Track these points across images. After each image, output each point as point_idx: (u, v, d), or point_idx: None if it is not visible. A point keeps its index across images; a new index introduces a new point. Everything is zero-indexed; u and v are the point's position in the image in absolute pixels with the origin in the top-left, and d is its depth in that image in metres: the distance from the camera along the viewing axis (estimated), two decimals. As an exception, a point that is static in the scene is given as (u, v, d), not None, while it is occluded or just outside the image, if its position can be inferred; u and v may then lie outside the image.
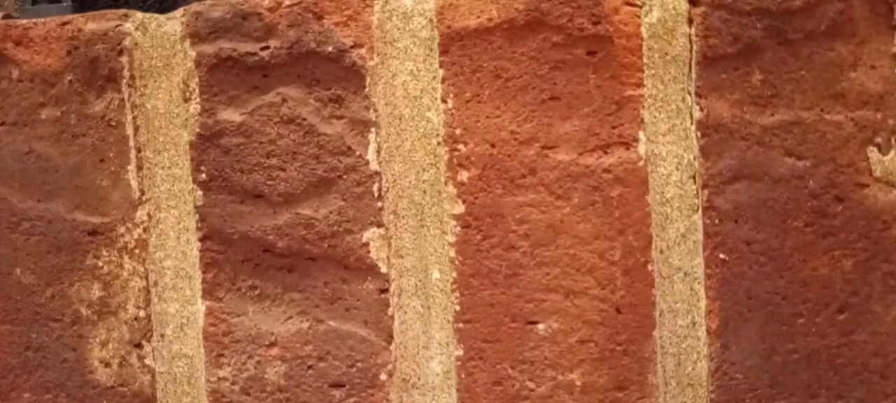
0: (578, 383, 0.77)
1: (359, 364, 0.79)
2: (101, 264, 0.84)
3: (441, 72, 0.78)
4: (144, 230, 0.83)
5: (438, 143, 0.78)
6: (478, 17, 0.77)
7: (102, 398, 0.85)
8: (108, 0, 0.95)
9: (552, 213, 0.76)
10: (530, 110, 0.76)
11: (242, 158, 0.79)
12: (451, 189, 0.78)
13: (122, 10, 0.83)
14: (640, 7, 0.76)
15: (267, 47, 0.79)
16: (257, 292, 0.81)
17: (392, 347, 0.79)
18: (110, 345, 0.84)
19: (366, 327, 0.79)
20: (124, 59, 0.82)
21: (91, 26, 0.83)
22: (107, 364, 0.85)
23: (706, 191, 0.75)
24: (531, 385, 0.77)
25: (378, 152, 0.78)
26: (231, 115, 0.79)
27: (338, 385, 0.80)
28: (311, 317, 0.80)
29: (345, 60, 0.78)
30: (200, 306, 0.81)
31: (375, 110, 0.78)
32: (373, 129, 0.78)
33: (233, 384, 0.81)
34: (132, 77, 0.82)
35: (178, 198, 0.82)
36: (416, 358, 0.79)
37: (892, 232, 0.75)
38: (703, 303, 0.76)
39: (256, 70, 0.79)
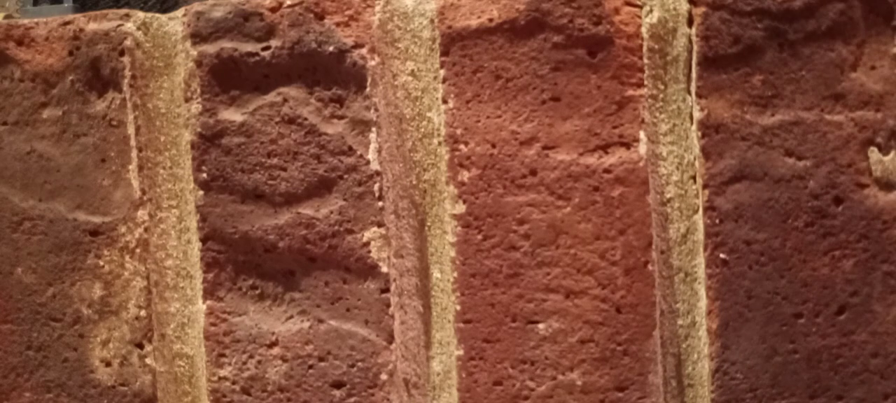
0: (579, 383, 0.77)
1: (360, 364, 0.79)
2: (102, 264, 0.84)
3: (442, 72, 0.78)
4: (145, 230, 0.83)
5: (439, 143, 0.78)
6: (479, 17, 0.77)
7: (103, 397, 0.85)
8: (110, 0, 0.96)
9: (553, 213, 0.77)
10: (531, 110, 0.77)
11: (243, 158, 0.79)
12: (452, 189, 0.78)
13: (124, 10, 0.83)
14: (641, 7, 0.76)
15: (268, 47, 0.79)
16: (258, 292, 0.81)
17: (393, 347, 0.79)
18: (111, 345, 0.84)
19: (367, 327, 0.79)
20: (126, 58, 0.82)
21: (93, 26, 0.83)
22: (108, 364, 0.85)
23: (706, 191, 0.75)
24: (531, 384, 0.78)
25: (379, 152, 0.78)
26: (232, 115, 0.79)
27: (338, 385, 0.80)
28: (312, 317, 0.80)
29: (346, 60, 0.78)
30: (201, 306, 0.81)
31: (376, 110, 0.78)
32: (374, 129, 0.78)
33: (233, 383, 0.81)
34: (134, 77, 0.82)
35: (179, 197, 0.82)
36: (416, 358, 0.79)
37: (892, 232, 0.75)
38: (703, 303, 0.76)
39: (257, 70, 0.79)
